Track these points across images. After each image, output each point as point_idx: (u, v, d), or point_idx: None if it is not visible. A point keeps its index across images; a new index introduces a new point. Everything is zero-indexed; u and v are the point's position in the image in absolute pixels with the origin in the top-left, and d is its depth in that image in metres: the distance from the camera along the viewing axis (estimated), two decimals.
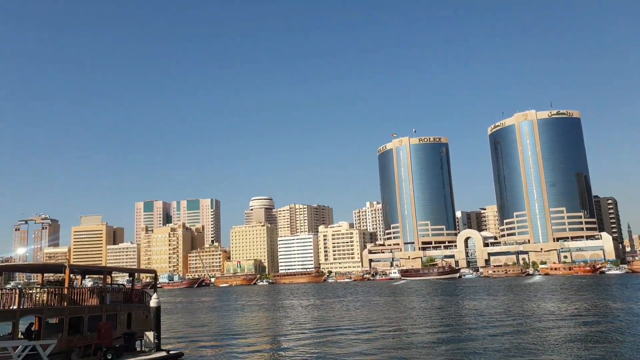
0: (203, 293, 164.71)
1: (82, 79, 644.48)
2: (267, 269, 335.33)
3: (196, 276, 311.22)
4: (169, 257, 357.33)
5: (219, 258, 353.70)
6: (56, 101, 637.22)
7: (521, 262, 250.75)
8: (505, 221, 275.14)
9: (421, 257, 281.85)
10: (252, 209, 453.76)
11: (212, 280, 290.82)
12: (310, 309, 70.56)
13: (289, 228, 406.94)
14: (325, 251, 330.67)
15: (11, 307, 24.05)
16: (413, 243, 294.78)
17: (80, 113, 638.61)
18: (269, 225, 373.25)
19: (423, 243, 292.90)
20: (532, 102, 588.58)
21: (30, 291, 26.73)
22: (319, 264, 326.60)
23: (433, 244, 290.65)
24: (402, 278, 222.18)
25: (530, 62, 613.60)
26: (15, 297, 24.46)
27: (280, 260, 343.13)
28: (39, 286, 29.48)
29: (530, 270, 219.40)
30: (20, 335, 24.28)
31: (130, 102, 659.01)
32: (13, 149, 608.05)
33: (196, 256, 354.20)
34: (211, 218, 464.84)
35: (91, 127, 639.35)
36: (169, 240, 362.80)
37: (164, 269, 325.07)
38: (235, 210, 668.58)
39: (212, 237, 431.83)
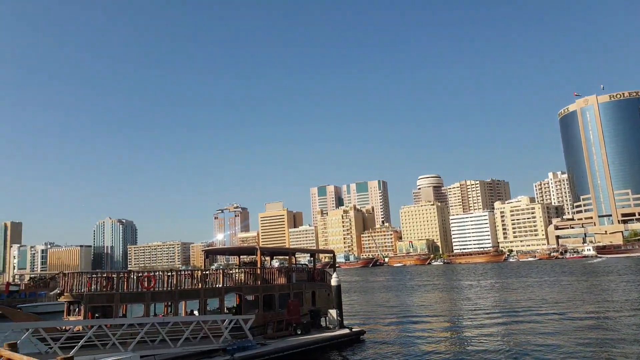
0: (378, 272, 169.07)
1: (259, 84, 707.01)
2: (440, 249, 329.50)
3: (370, 256, 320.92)
4: (344, 238, 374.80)
5: (391, 238, 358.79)
6: (235, 106, 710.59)
7: None
8: None
9: (622, 231, 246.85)
10: (419, 188, 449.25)
11: (386, 260, 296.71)
12: (492, 290, 67.08)
13: (461, 206, 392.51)
14: (504, 229, 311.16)
15: (217, 286, 27.70)
16: (610, 216, 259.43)
17: (263, 114, 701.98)
18: (439, 204, 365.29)
19: (623, 215, 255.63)
20: None
21: (230, 271, 30.42)
22: (497, 242, 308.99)
23: (637, 216, 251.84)
24: (599, 255, 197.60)
25: None
26: (219, 276, 28.07)
27: (453, 240, 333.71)
28: (237, 267, 33.38)
29: None
30: (225, 311, 27.78)
31: (304, 102, 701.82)
32: (214, 151, 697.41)
33: (368, 236, 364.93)
34: (380, 199, 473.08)
35: (270, 126, 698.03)
36: (342, 222, 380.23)
37: (340, 249, 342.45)
38: (403, 190, 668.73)
39: (382, 218, 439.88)
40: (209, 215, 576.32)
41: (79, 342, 18.84)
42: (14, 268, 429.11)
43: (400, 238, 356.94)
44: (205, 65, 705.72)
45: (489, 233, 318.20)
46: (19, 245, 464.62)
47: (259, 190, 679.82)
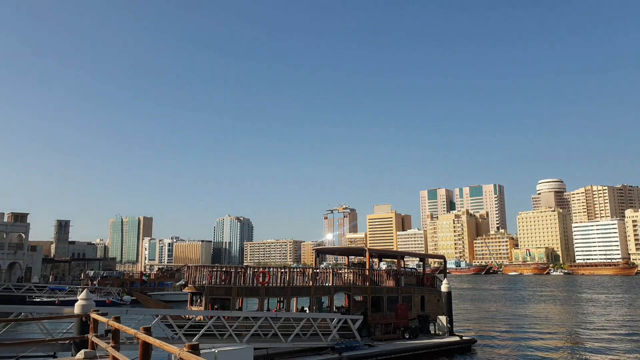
0: (491, 280, 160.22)
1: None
2: (560, 258, 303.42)
3: (483, 263, 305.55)
4: (455, 244, 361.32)
5: (506, 245, 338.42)
6: (338, 103, 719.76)
7: None
8: None
9: None
10: (539, 193, 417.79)
11: (500, 268, 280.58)
12: (620, 306, 60.12)
13: (586, 213, 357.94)
14: (637, 239, 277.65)
15: (327, 284, 28.11)
16: None
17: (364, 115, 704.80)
18: (561, 210, 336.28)
19: None
20: None
21: (339, 271, 30.69)
22: (628, 254, 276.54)
23: None
24: None
25: None
26: (329, 275, 28.46)
27: (576, 249, 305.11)
28: (346, 267, 33.60)
29: None
30: (334, 310, 28.06)
31: (418, 103, 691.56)
32: (328, 151, 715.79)
33: (482, 243, 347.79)
34: (495, 204, 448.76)
35: (378, 127, 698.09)
36: (454, 227, 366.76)
37: (450, 255, 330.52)
38: (521, 195, 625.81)
39: (497, 224, 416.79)
40: (319, 215, 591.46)
41: (200, 330, 20.18)
42: (145, 259, 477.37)
43: (517, 245, 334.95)
44: (336, 61, 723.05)
45: (618, 243, 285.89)
46: (149, 238, 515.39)
47: (368, 192, 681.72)
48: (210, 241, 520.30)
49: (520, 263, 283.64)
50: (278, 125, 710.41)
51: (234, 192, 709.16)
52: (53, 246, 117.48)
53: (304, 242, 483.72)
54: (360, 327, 24.86)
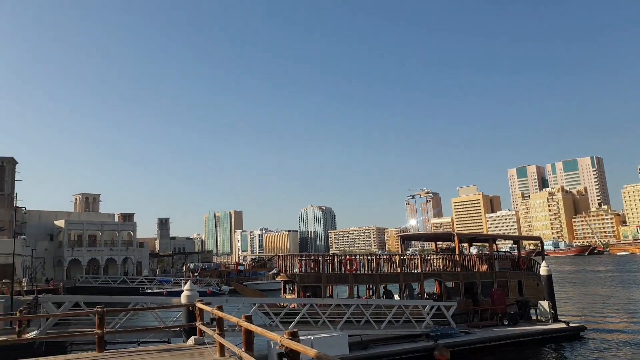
0: (597, 262, 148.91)
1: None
2: None
3: (585, 243, 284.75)
4: (551, 223, 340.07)
5: (611, 222, 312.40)
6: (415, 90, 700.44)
7: None
8: None
9: None
10: None
11: (607, 247, 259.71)
12: None
13: None
14: None
15: (416, 271, 27.86)
16: None
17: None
18: None
19: None
20: None
21: (428, 257, 30.26)
22: None
23: None
24: None
25: None
26: (417, 262, 28.17)
27: None
28: (434, 253, 33.04)
29: None
30: (425, 296, 27.77)
31: (497, 79, 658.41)
32: (403, 136, 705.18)
33: (582, 221, 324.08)
34: (594, 178, 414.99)
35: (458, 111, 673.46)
36: (549, 206, 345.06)
37: (546, 236, 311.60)
38: (624, 167, 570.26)
39: (598, 200, 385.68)
40: (400, 201, 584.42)
41: (294, 318, 20.95)
42: (238, 250, 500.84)
43: (624, 222, 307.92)
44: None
45: None
46: (241, 230, 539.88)
47: (450, 175, 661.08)
48: (297, 231, 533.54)
49: (630, 242, 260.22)
50: (360, 114, 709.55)
51: (315, 182, 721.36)
52: (157, 242, 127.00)
53: (387, 228, 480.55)
54: (454, 313, 24.39)
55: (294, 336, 6.54)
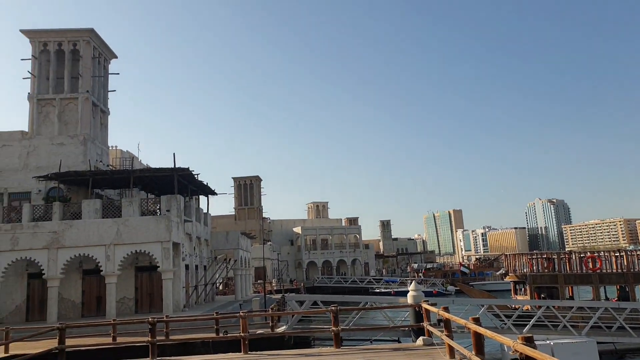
0: None
1: None
2: None
3: None
4: None
5: None
6: None
7: None
8: None
9: None
10: None
11: None
12: None
13: None
14: None
15: None
16: None
17: None
18: None
19: None
20: None
21: None
22: None
23: None
24: None
25: None
26: None
27: None
28: None
29: None
30: None
31: None
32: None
33: None
34: None
35: None
36: None
37: None
38: None
39: None
40: None
41: (528, 321, 19.30)
42: (461, 250, 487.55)
43: None
44: None
45: None
46: (462, 229, 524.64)
47: None
48: (524, 227, 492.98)
49: None
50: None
51: (542, 173, 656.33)
52: (380, 243, 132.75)
53: (639, 219, 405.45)
54: None
55: (529, 341, 5.99)
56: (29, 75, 33.78)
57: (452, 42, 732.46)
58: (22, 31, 34.32)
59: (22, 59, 34.13)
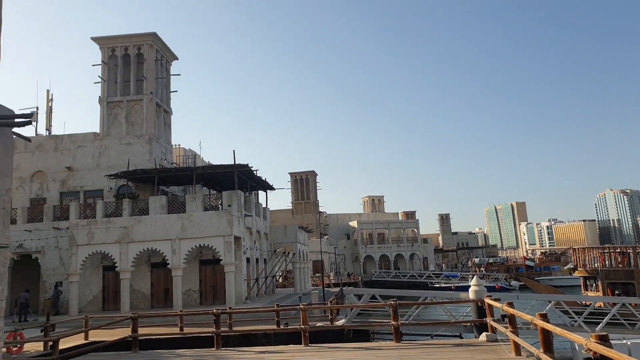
0: None
1: None
2: None
3: None
4: None
5: None
6: None
7: None
8: None
9: None
10: None
11: None
12: None
13: None
14: None
15: None
16: None
17: None
18: None
19: None
20: None
21: None
22: None
23: None
24: None
25: None
26: None
27: None
28: None
29: None
30: None
31: None
32: None
33: None
34: None
35: None
36: None
37: None
38: None
39: None
40: None
41: (601, 318, 18.28)
42: (525, 244, 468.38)
43: None
44: None
45: None
46: (526, 222, 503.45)
47: None
48: (594, 220, 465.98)
49: None
50: None
51: (613, 162, 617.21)
52: (439, 237, 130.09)
53: None
54: None
55: (603, 340, 5.65)
56: (99, 80, 35.84)
57: (537, 31, 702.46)
58: (93, 38, 36.41)
59: (93, 65, 36.24)
